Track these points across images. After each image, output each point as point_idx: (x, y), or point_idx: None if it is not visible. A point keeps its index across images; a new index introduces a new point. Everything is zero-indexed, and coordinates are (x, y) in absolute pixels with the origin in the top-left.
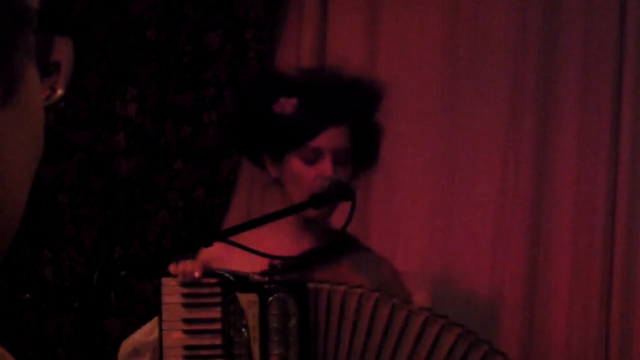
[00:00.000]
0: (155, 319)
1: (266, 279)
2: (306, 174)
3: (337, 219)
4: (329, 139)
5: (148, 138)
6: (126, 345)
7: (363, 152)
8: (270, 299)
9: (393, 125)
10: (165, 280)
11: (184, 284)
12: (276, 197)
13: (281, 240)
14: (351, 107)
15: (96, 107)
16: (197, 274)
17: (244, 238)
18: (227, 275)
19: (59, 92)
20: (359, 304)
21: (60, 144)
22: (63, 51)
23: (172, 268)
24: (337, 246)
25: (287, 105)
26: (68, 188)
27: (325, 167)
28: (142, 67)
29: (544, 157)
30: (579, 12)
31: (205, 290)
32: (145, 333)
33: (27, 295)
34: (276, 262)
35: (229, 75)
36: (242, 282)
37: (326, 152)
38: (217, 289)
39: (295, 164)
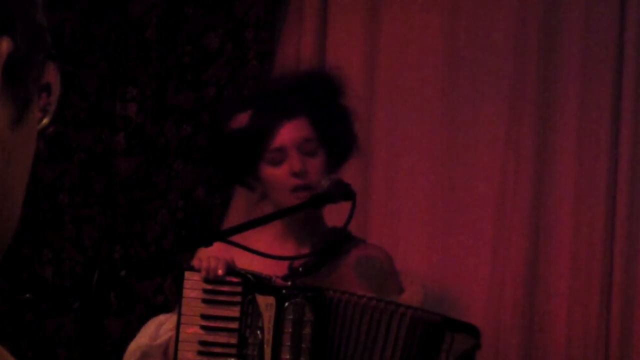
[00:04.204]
0: (156, 321)
1: (289, 283)
2: (278, 175)
3: (337, 218)
4: (287, 134)
5: (148, 138)
6: (133, 351)
7: (333, 138)
8: (287, 304)
9: (393, 126)
10: (187, 274)
11: (207, 280)
12: None
13: (276, 240)
14: (300, 98)
15: (96, 107)
16: (220, 272)
17: (241, 239)
18: (248, 275)
19: (45, 120)
20: (378, 318)
21: (60, 144)
22: (52, 74)
23: (195, 262)
24: (336, 245)
25: (241, 119)
26: (68, 188)
27: (293, 162)
28: (142, 67)
29: (544, 157)
30: (579, 12)
31: (227, 289)
32: (151, 337)
33: (27, 295)
34: (296, 264)
35: (229, 75)
36: (261, 284)
37: (289, 148)
38: (238, 289)
39: (266, 170)
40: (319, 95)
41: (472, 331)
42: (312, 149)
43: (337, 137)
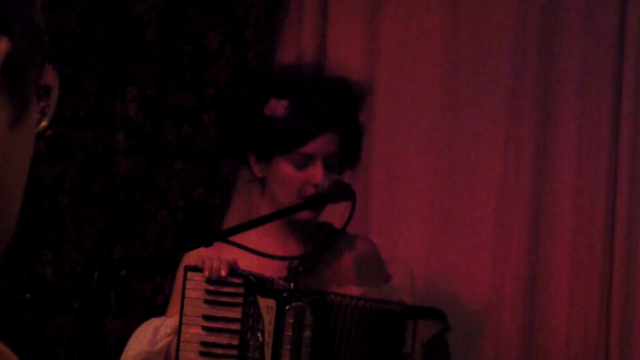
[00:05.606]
0: (151, 326)
1: (291, 284)
2: (296, 178)
3: (337, 218)
4: (321, 144)
5: (148, 138)
6: (133, 358)
7: (349, 154)
8: (287, 307)
9: (393, 125)
10: (190, 275)
11: (209, 281)
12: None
13: (268, 238)
14: (342, 112)
15: (96, 107)
16: (223, 273)
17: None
18: (250, 277)
19: (43, 123)
20: (373, 319)
21: (60, 144)
22: (51, 76)
23: (199, 262)
24: (329, 242)
25: (278, 107)
26: (68, 188)
27: (316, 172)
28: (142, 67)
29: (544, 157)
30: (579, 12)
31: (229, 290)
32: (150, 343)
33: (27, 295)
34: (295, 263)
35: (229, 75)
36: (263, 286)
37: (317, 157)
38: (240, 290)
39: (284, 167)
40: (352, 112)
41: (436, 315)
42: (334, 163)
43: (354, 155)
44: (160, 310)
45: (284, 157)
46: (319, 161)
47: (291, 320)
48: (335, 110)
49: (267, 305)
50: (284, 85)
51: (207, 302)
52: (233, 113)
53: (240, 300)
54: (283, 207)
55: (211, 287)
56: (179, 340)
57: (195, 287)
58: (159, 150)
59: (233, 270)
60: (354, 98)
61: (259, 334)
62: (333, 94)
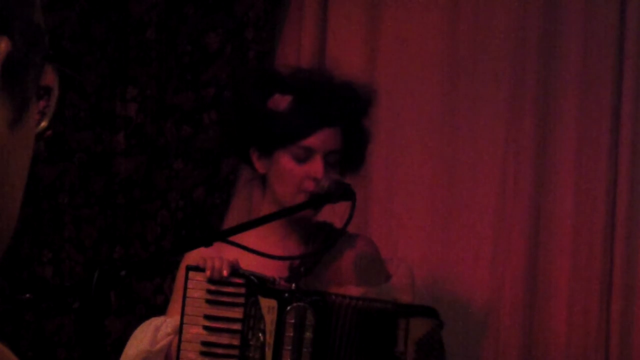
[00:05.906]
0: (151, 326)
1: (292, 285)
2: (295, 172)
3: (337, 218)
4: (322, 139)
5: (148, 138)
6: (134, 357)
7: (352, 155)
8: (289, 308)
9: (393, 126)
10: (192, 274)
11: (210, 281)
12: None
13: (268, 238)
14: (346, 110)
15: (96, 107)
16: (225, 273)
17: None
18: (252, 277)
19: (43, 123)
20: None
21: (60, 144)
22: (51, 77)
23: (200, 262)
24: (329, 242)
25: (281, 101)
26: (68, 188)
27: (316, 167)
28: (142, 67)
29: (544, 157)
30: (579, 12)
31: (230, 290)
32: (150, 342)
33: (27, 295)
34: (295, 263)
35: (229, 75)
36: (264, 286)
37: (318, 152)
38: (242, 290)
39: (285, 161)
40: (359, 112)
41: (428, 313)
42: (335, 161)
43: (356, 157)
44: (160, 310)
45: (285, 151)
46: (319, 156)
47: (292, 321)
48: (337, 107)
49: (268, 306)
50: (289, 83)
51: (208, 301)
52: (237, 107)
53: (241, 300)
54: (284, 205)
55: (212, 287)
56: (180, 340)
57: (196, 286)
58: (159, 150)
59: (234, 270)
60: (359, 99)
61: (260, 334)
62: (337, 92)
